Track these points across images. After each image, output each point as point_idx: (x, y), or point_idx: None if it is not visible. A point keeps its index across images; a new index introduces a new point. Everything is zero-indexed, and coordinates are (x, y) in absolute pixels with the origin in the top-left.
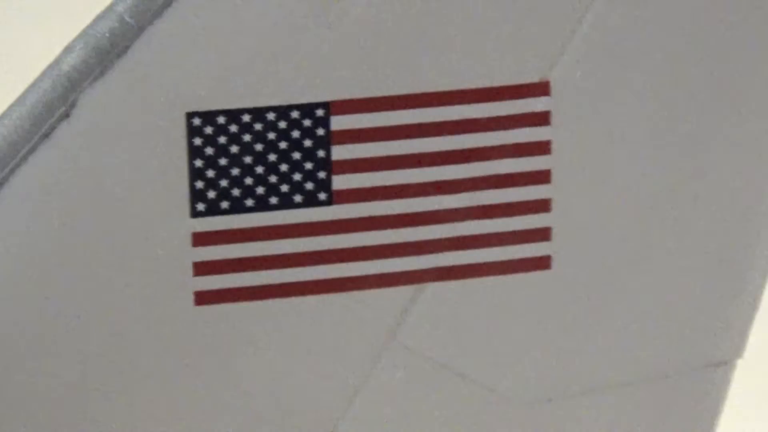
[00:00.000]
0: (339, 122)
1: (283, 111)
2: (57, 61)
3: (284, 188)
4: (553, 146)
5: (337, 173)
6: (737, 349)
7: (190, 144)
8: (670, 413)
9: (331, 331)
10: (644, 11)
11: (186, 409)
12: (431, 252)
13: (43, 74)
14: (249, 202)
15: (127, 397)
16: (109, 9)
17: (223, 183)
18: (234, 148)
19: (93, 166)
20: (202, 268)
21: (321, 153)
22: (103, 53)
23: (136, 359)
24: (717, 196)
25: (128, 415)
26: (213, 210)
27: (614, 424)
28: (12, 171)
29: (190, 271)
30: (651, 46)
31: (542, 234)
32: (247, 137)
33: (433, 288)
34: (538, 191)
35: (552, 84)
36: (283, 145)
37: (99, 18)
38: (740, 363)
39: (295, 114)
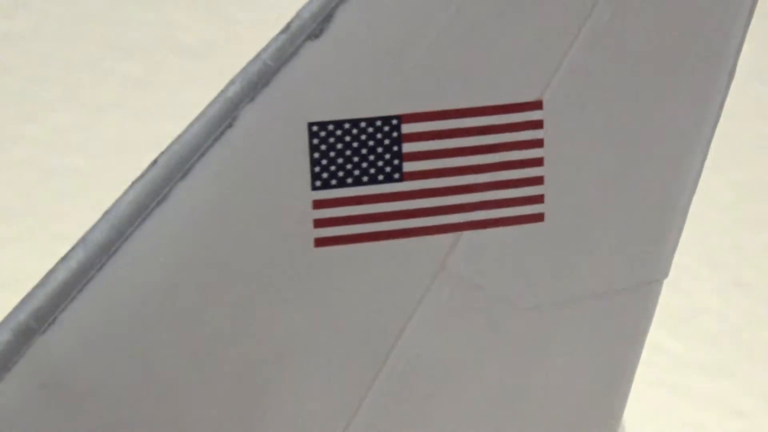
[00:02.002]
0: (407, 128)
1: (371, 120)
2: (224, 90)
3: (371, 171)
4: (546, 141)
5: (406, 161)
6: (665, 271)
7: (311, 142)
8: (617, 322)
9: (403, 263)
10: (614, 52)
11: (296, 326)
12: (466, 211)
13: (215, 99)
14: (349, 180)
15: (260, 323)
16: (257, 56)
17: (332, 168)
18: (339, 145)
19: (248, 158)
20: (319, 223)
21: (395, 148)
22: (253, 85)
23: (269, 294)
24: (659, 165)
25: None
26: (325, 185)
27: (582, 328)
28: (194, 163)
29: (311, 225)
30: (614, 74)
31: (538, 199)
32: (347, 138)
33: (468, 234)
34: (535, 171)
35: (544, 101)
36: (371, 143)
37: (251, 62)
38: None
39: (378, 122)
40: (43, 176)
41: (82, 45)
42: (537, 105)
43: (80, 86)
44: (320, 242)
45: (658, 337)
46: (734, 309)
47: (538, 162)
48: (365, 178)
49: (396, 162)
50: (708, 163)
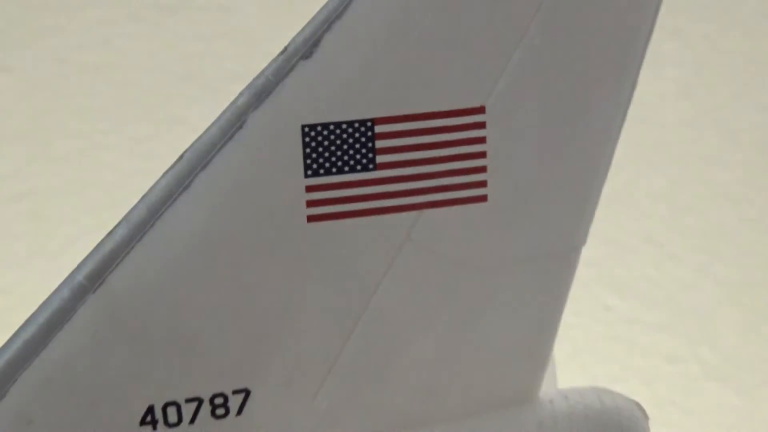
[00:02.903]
0: (379, 128)
1: (350, 122)
2: (234, 101)
3: (351, 162)
4: (488, 138)
5: (379, 154)
6: (583, 239)
7: (303, 140)
8: (547, 280)
9: (376, 235)
10: (542, 68)
11: (291, 280)
12: (425, 194)
13: (228, 106)
14: (334, 169)
15: (269, 283)
16: (262, 73)
17: (320, 160)
18: (326, 142)
19: (255, 152)
20: (310, 203)
21: (370, 144)
22: (258, 95)
23: (272, 258)
24: (577, 156)
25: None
26: (315, 173)
27: (519, 284)
28: (212, 158)
29: (305, 204)
30: (542, 85)
31: (482, 184)
32: (332, 136)
33: (428, 211)
34: (479, 162)
35: (486, 107)
36: (350, 140)
37: (257, 77)
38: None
39: (356, 124)
40: (122, 177)
41: (152, 73)
42: (481, 110)
43: (151, 106)
44: (312, 218)
45: (608, 299)
46: (668, 277)
47: (481, 155)
48: (346, 168)
49: (371, 155)
50: (644, 161)
